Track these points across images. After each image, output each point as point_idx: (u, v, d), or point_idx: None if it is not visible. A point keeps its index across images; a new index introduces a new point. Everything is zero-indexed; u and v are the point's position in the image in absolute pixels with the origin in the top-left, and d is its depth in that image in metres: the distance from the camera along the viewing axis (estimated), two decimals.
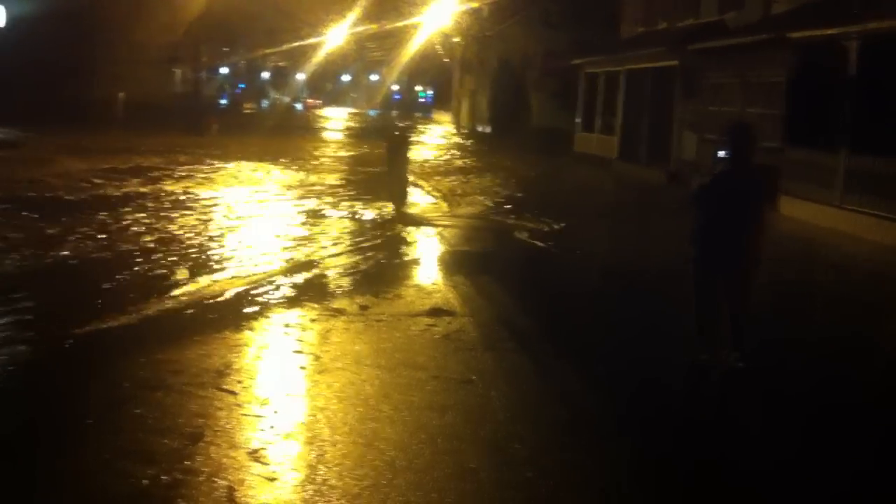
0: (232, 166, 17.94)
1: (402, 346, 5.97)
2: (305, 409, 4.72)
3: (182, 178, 15.38)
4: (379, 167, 19.23)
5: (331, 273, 8.31)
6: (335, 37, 43.38)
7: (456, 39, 42.76)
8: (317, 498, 3.66)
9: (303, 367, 5.40)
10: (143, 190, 13.42)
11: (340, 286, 7.78)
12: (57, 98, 24.35)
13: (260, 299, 7.04)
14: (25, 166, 15.45)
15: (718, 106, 17.88)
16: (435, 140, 34.66)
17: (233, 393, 4.86)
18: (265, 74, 61.80)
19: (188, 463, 3.94)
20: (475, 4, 35.82)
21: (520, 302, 7.55)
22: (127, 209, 11.39)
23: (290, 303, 6.98)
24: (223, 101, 45.96)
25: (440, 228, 11.38)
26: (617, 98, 23.79)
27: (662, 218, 13.16)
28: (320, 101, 74.37)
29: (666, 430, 4.67)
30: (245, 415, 4.59)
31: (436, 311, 6.87)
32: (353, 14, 37.57)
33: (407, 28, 40.58)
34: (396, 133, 14.27)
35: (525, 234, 11.13)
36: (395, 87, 72.54)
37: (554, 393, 5.24)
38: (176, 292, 7.17)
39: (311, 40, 43.65)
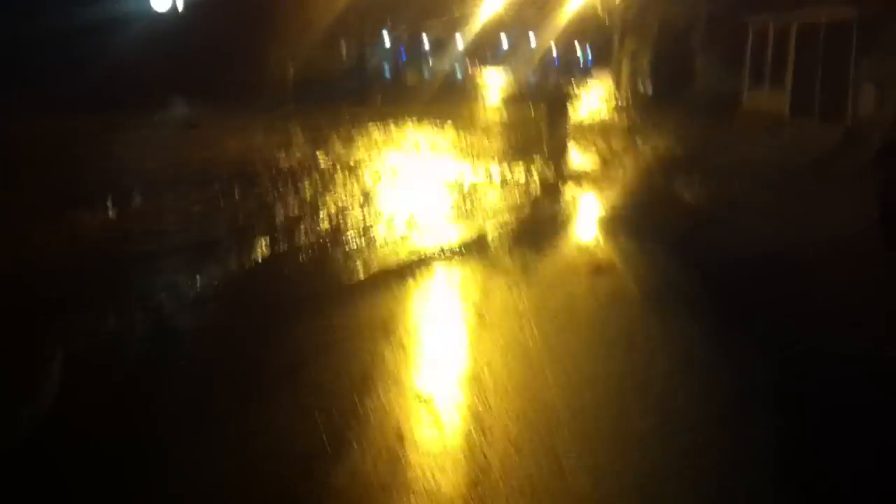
0: (396, 133, 18.45)
1: (566, 304, 6.11)
2: (470, 363, 4.97)
3: (350, 146, 15.98)
4: (537, 129, 19.33)
5: (492, 232, 8.51)
6: (494, 2, 43.32)
7: (617, 1, 41.75)
8: (483, 445, 3.88)
9: (467, 323, 5.66)
10: (314, 160, 14.06)
11: (502, 244, 7.98)
12: (231, 78, 25.71)
13: (424, 256, 7.36)
14: (205, 143, 16.48)
15: None
16: (594, 102, 34.08)
17: (401, 344, 5.17)
18: (426, 44, 62.53)
19: (361, 404, 4.25)
20: None
21: (684, 265, 7.43)
22: (298, 179, 11.99)
23: (454, 260, 7.27)
24: (387, 73, 46.96)
25: (601, 189, 11.37)
26: (788, 54, 22.72)
27: (840, 180, 12.54)
28: (480, 68, 74.53)
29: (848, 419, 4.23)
30: (413, 364, 4.88)
31: (597, 271, 6.96)
32: None
33: None
34: (556, 94, 14.26)
35: (690, 197, 10.94)
36: (554, 50, 71.72)
37: (722, 360, 5.07)
38: (346, 248, 7.60)
39: (471, 9, 43.80)
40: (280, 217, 9.24)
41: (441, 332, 5.57)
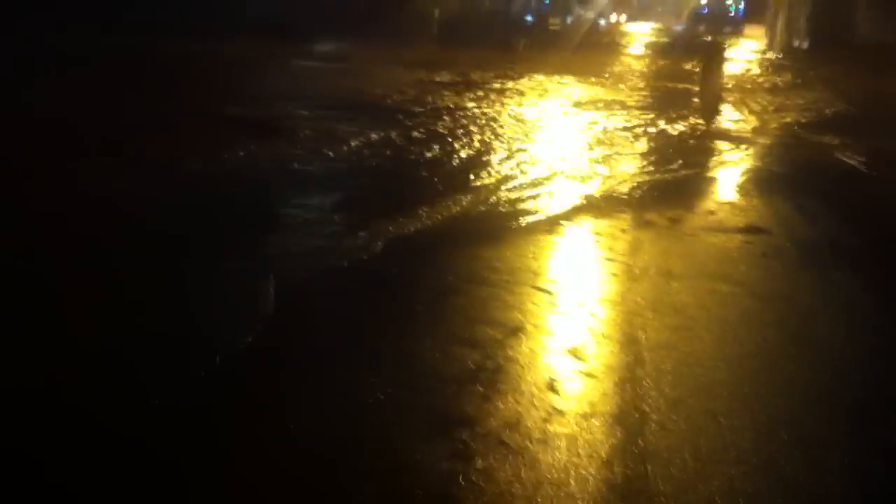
0: (539, 80, 18.14)
1: (717, 261, 5.87)
2: (619, 315, 4.83)
3: (492, 90, 15.83)
4: (684, 83, 18.62)
5: (639, 186, 8.24)
6: None
7: None
8: (636, 399, 3.77)
9: (614, 275, 5.51)
10: (455, 100, 14.00)
11: (649, 198, 7.71)
12: (377, 13, 25.88)
13: (569, 207, 7.19)
14: (350, 77, 16.71)
15: None
16: (746, 55, 32.57)
17: (548, 292, 5.08)
18: None
19: (510, 352, 4.21)
20: None
21: (841, 225, 7.05)
22: (438, 117, 11.95)
23: (599, 212, 7.06)
24: (529, 18, 46.30)
25: (753, 145, 10.84)
26: None
27: None
28: (625, 16, 72.54)
29: None
30: (561, 314, 4.79)
31: (750, 229, 6.66)
32: None
33: None
34: (711, 46, 13.63)
35: (848, 157, 10.30)
36: (703, 1, 68.88)
37: (886, 320, 4.90)
38: (485, 196, 7.50)
39: None
40: (418, 158, 9.22)
41: (588, 283, 5.43)
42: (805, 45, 35.32)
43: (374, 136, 10.22)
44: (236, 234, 6.09)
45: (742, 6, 64.36)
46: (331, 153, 9.02)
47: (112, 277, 5.09)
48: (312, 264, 5.44)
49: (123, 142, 8.94)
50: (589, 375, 3.99)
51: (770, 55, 33.62)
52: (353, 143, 9.63)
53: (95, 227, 6.01)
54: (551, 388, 3.85)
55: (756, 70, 24.65)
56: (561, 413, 3.62)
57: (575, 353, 4.22)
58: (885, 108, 15.63)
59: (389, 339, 4.36)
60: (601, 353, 4.26)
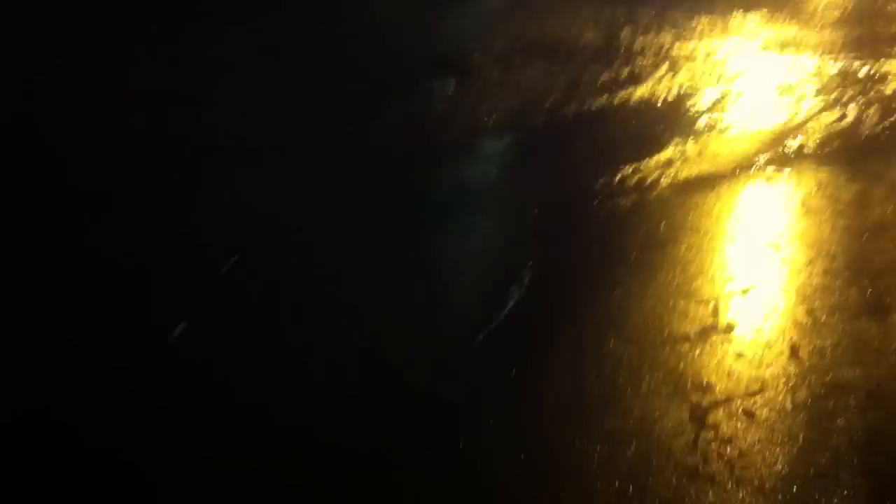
0: (728, 18, 17.04)
1: None
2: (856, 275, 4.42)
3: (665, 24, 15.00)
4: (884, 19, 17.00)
5: (854, 131, 7.54)
6: None
7: None
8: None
9: (844, 231, 5.05)
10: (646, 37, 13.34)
11: (868, 145, 7.04)
12: None
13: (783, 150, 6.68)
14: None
15: None
16: None
17: (778, 247, 4.72)
18: None
19: (744, 309, 3.92)
20: None
21: None
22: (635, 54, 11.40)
23: (818, 159, 6.51)
24: None
25: None
26: None
27: None
28: None
29: None
30: (792, 270, 4.44)
31: None
32: None
33: None
34: None
35: None
36: None
37: None
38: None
39: None
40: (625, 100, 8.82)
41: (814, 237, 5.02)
42: None
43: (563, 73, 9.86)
44: None
45: None
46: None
47: None
48: None
49: None
50: (831, 343, 3.67)
51: None
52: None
53: None
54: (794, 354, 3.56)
55: None
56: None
57: (811, 313, 3.89)
58: None
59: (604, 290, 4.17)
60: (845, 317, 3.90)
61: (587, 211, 5.30)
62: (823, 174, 6.18)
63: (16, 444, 3.24)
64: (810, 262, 4.55)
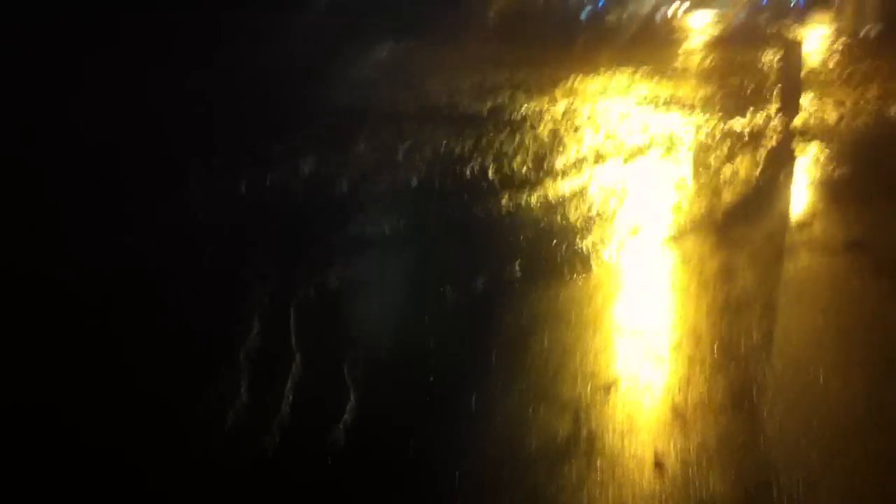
0: (602, 76, 17.47)
1: (823, 286, 5.24)
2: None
3: (552, 88, 15.23)
4: (754, 75, 17.73)
5: (726, 194, 7.56)
6: None
7: None
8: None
9: (709, 309, 4.90)
10: (517, 101, 13.43)
11: (739, 209, 7.07)
12: (433, 7, 25.45)
13: (651, 222, 6.59)
14: (408, 78, 16.22)
15: None
16: (815, 43, 31.30)
17: (642, 333, 4.51)
18: None
19: (606, 414, 3.67)
20: None
21: None
22: (503, 120, 11.39)
23: (687, 227, 6.43)
24: (586, 11, 45.39)
25: (843, 142, 10.03)
26: None
27: None
28: (683, 6, 71.06)
29: None
30: (657, 359, 4.23)
31: (853, 244, 6.00)
32: None
33: None
34: (787, 38, 12.83)
35: None
36: None
37: None
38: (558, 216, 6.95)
39: None
40: (483, 166, 8.69)
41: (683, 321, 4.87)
42: (876, 30, 33.86)
43: (430, 148, 9.71)
44: None
45: None
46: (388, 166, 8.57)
47: None
48: None
49: None
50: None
51: (841, 42, 32.19)
52: (403, 157, 9.17)
53: None
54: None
55: (829, 59, 23.49)
56: None
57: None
58: None
59: None
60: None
61: (445, 301, 5.02)
62: (688, 244, 6.09)
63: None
64: (676, 348, 4.36)
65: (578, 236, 6.21)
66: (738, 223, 6.67)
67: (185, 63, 15.30)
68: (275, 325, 4.55)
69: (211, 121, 10.36)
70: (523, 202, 7.16)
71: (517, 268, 5.53)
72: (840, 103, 13.68)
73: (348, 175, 8.18)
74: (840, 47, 29.67)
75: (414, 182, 8.04)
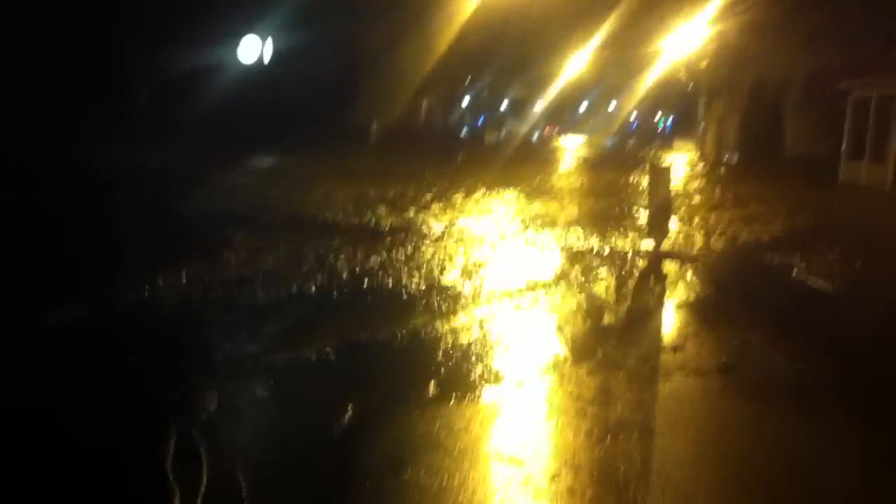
0: (476, 195, 17.82)
1: (696, 409, 5.25)
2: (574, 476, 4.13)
3: (428, 206, 15.39)
4: (622, 199, 18.50)
5: (598, 320, 7.64)
6: (574, 66, 43.07)
7: (703, 64, 41.01)
8: None
9: (588, 434, 4.81)
10: (391, 218, 13.47)
11: (611, 334, 7.12)
12: (316, 125, 25.69)
13: (523, 349, 6.54)
14: (284, 190, 16.13)
15: None
16: (680, 169, 33.12)
17: (521, 463, 4.36)
18: (505, 104, 62.50)
19: None
20: (727, 26, 34.13)
21: (818, 357, 6.56)
22: (375, 237, 11.38)
23: (562, 352, 6.41)
24: (463, 131, 46.94)
25: (709, 267, 10.44)
26: (892, 124, 21.63)
27: None
28: (557, 130, 74.35)
29: None
30: (535, 492, 4.07)
31: (722, 367, 6.10)
32: (593, 43, 37.08)
33: (648, 54, 39.51)
34: (655, 164, 13.43)
35: (809, 278, 9.97)
36: (633, 115, 70.94)
37: None
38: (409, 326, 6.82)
39: (550, 70, 43.57)
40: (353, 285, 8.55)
41: (559, 448, 4.74)
42: (735, 158, 36.18)
43: (303, 261, 9.53)
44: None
45: (670, 120, 66.55)
46: (263, 278, 8.30)
47: None
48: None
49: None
50: None
51: (702, 168, 34.19)
52: (283, 270, 8.94)
53: None
54: None
55: (694, 184, 24.85)
56: None
57: None
58: (829, 223, 15.60)
59: None
60: None
61: (318, 427, 4.75)
62: (564, 368, 6.02)
63: None
64: (554, 478, 4.21)
65: (453, 362, 6.07)
66: (612, 346, 6.70)
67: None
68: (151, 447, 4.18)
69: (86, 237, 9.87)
70: (397, 325, 7.00)
71: (392, 393, 5.33)
72: (705, 227, 14.35)
73: (223, 287, 7.90)
74: (704, 172, 31.54)
75: (290, 295, 7.82)
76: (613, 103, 68.82)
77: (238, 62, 24.28)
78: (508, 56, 40.97)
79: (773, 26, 31.66)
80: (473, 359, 6.12)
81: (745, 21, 32.45)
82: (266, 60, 25.13)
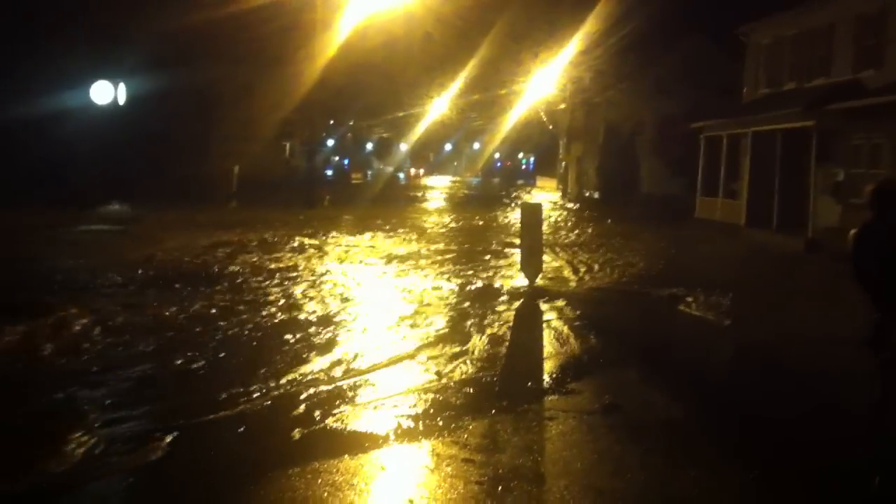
0: (343, 238, 17.52)
1: (591, 452, 5.11)
2: None
3: (293, 251, 14.97)
4: (491, 238, 18.62)
5: (476, 360, 7.45)
6: (437, 107, 43.61)
7: (561, 106, 42.33)
8: None
9: (479, 483, 4.59)
10: (255, 264, 12.98)
11: (489, 375, 6.93)
12: (172, 173, 24.78)
13: (400, 398, 6.26)
14: (140, 242, 15.29)
15: (865, 168, 16.83)
16: (545, 206, 33.77)
17: None
18: (369, 145, 62.58)
19: None
20: (582, 72, 35.38)
21: (706, 394, 6.59)
22: (236, 285, 10.91)
23: (444, 402, 6.17)
24: (328, 173, 46.53)
25: (587, 303, 10.45)
26: (742, 161, 22.71)
27: (814, 286, 12.13)
28: (423, 170, 74.99)
29: None
30: None
31: (608, 407, 6.02)
32: (456, 85, 37.64)
33: (509, 96, 40.45)
34: (527, 205, 13.51)
35: (692, 309, 10.18)
36: (497, 155, 72.44)
37: None
38: (281, 380, 6.47)
39: (414, 111, 43.93)
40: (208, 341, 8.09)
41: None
42: (595, 195, 37.33)
43: (157, 313, 8.95)
44: None
45: (533, 160, 68.27)
46: (110, 339, 7.74)
47: None
48: None
49: None
50: None
51: (564, 206, 35.02)
52: (132, 328, 8.38)
53: None
54: None
55: (560, 221, 25.33)
56: None
57: None
58: (690, 257, 16.09)
59: None
60: None
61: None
62: (447, 416, 5.78)
63: None
64: None
65: (318, 413, 5.77)
66: (493, 387, 6.54)
67: None
68: None
69: None
70: (250, 393, 6.61)
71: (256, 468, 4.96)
72: (573, 263, 14.53)
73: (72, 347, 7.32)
74: (567, 209, 32.30)
75: (147, 349, 7.31)
76: (478, 144, 70.06)
77: (92, 105, 23.17)
78: (372, 98, 41.03)
79: (625, 73, 33.12)
80: (344, 409, 5.82)
81: (598, 68, 33.78)
82: (121, 102, 24.13)
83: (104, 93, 23.19)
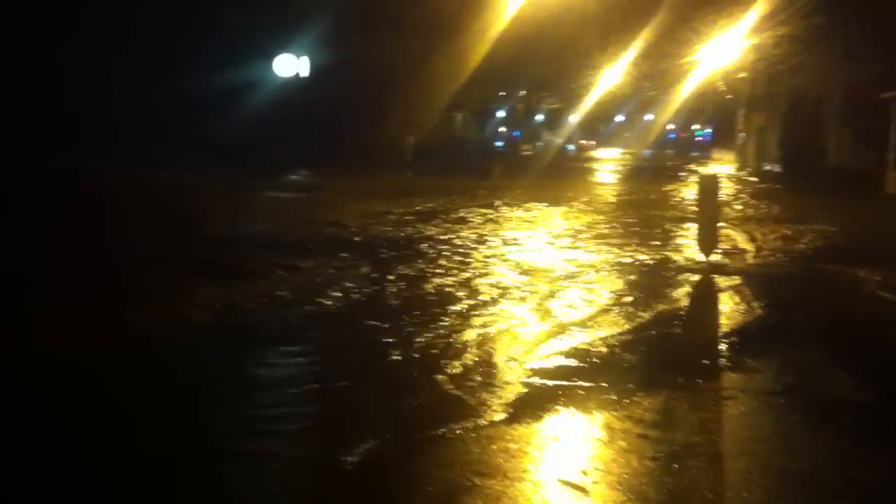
0: (515, 209, 17.58)
1: (767, 432, 4.95)
2: None
3: (467, 221, 15.19)
4: (665, 210, 18.17)
5: (654, 336, 7.32)
6: (609, 77, 42.75)
7: (742, 74, 40.44)
8: None
9: (655, 459, 4.54)
10: (432, 233, 13.28)
11: (666, 353, 6.81)
12: (352, 142, 25.66)
13: (576, 374, 6.25)
14: (324, 208, 16.04)
15: None
16: (723, 179, 32.53)
17: (584, 489, 4.11)
18: (539, 116, 62.29)
19: None
20: (765, 38, 33.61)
21: (888, 376, 6.20)
22: (414, 256, 11.17)
23: (620, 378, 6.09)
24: (499, 144, 46.72)
25: (767, 281, 10.02)
26: None
27: None
28: (594, 142, 73.87)
29: None
30: None
31: (787, 390, 5.78)
32: (629, 54, 36.72)
33: (684, 66, 39.04)
34: (705, 176, 13.05)
35: (866, 288, 9.59)
36: (671, 126, 70.35)
37: None
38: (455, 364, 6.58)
39: (585, 81, 43.27)
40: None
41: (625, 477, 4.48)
42: (776, 168, 35.55)
43: (338, 288, 9.30)
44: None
45: (709, 131, 65.72)
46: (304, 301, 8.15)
47: None
48: None
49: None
50: None
51: (744, 179, 33.57)
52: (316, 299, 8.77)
53: None
54: None
55: (740, 195, 24.35)
56: None
57: None
58: (886, 236, 15.07)
59: None
60: None
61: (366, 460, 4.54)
62: (622, 390, 5.72)
63: None
64: (611, 502, 3.97)
65: (497, 384, 5.85)
66: (667, 363, 6.42)
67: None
68: None
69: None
70: (434, 340, 6.78)
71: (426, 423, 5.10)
72: (753, 238, 13.95)
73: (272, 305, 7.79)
74: (747, 183, 30.98)
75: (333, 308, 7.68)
76: (650, 115, 68.23)
77: (276, 77, 24.32)
78: (543, 68, 40.75)
79: (812, 38, 31.11)
80: (518, 383, 5.88)
81: (783, 33, 31.90)
82: (304, 74, 25.19)
83: (288, 65, 24.23)
